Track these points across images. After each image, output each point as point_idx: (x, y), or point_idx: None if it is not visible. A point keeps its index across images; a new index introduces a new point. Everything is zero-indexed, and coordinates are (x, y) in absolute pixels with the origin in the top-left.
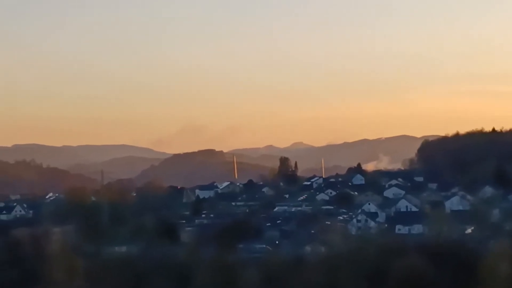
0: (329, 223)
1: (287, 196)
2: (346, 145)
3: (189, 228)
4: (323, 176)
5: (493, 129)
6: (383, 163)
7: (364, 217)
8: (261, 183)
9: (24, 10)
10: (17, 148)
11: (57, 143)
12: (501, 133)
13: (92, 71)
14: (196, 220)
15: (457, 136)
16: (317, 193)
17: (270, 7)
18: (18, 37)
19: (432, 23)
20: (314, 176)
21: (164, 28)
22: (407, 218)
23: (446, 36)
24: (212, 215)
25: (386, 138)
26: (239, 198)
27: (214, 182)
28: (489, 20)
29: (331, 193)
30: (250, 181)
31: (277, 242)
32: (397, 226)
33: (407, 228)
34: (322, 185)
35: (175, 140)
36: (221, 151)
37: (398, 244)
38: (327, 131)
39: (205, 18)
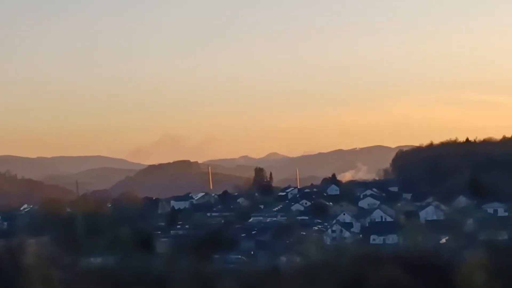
0: (304, 233)
1: (262, 206)
2: (321, 155)
3: (164, 239)
4: (298, 187)
5: (467, 139)
6: (359, 174)
7: (339, 227)
8: (236, 193)
9: None
10: None
11: (32, 154)
12: (475, 143)
13: (67, 82)
14: (171, 231)
15: (431, 146)
16: (292, 203)
17: (245, 20)
18: None
19: (406, 33)
20: (289, 187)
21: (142, 39)
22: (381, 228)
23: (420, 45)
24: (187, 226)
25: (361, 148)
26: (214, 209)
27: (189, 193)
28: (463, 29)
29: (306, 203)
30: (225, 192)
31: (252, 252)
32: (372, 236)
33: (381, 238)
34: (297, 195)
35: (152, 151)
36: (196, 162)
37: (373, 254)
38: (302, 141)
39: (180, 30)
